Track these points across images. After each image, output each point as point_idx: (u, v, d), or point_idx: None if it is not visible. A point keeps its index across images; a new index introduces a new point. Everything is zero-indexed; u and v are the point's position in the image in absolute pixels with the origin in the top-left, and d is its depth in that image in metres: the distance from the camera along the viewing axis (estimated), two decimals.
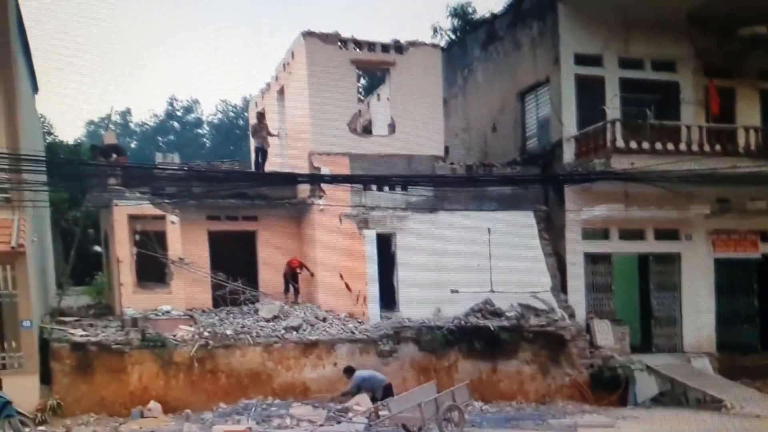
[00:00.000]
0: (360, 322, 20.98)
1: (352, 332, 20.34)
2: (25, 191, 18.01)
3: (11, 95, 17.71)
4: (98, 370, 18.11)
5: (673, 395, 21.15)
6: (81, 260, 23.60)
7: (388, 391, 17.62)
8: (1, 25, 17.16)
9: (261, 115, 25.43)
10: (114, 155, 22.27)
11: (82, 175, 21.88)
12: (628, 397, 21.09)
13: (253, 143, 25.11)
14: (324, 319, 21.00)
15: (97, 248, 26.90)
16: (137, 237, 21.16)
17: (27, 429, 15.02)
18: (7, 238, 17.13)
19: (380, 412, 16.64)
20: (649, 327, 23.63)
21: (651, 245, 23.49)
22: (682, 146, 21.95)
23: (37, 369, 17.70)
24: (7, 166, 17.08)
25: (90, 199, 22.71)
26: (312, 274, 22.50)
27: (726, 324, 23.89)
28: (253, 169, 24.34)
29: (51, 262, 25.61)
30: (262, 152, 24.05)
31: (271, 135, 24.29)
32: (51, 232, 26.37)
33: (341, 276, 21.90)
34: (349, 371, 18.18)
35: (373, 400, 17.45)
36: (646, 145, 21.68)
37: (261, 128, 24.50)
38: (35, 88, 25.52)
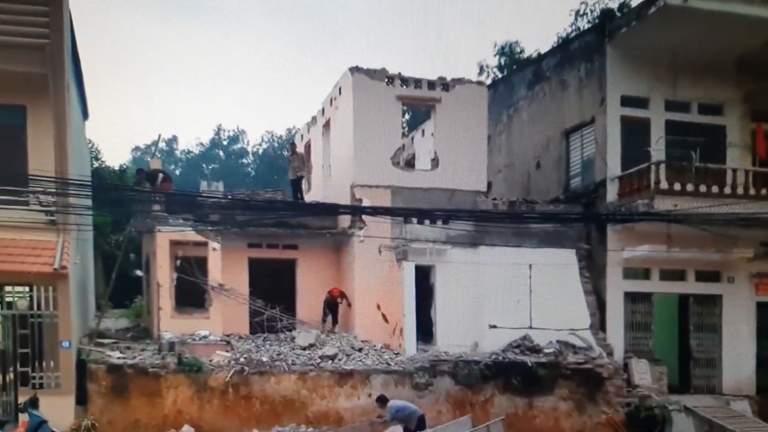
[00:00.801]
0: (396, 354, 20.71)
1: (388, 363, 20.02)
2: (71, 214, 18.06)
3: (62, 122, 17.76)
4: (134, 393, 18.01)
5: None
6: (121, 283, 23.61)
7: (421, 423, 17.26)
8: (56, 54, 17.24)
9: (293, 146, 25.91)
10: (160, 175, 22.36)
11: (127, 200, 22.01)
12: None
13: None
14: (360, 349, 20.77)
15: (138, 272, 26.93)
16: (178, 262, 21.19)
17: None
18: (50, 260, 17.12)
19: None
20: (687, 368, 23.14)
21: (692, 286, 23.05)
22: (727, 189, 21.56)
23: (73, 389, 17.66)
24: (54, 190, 17.25)
25: (133, 224, 22.82)
26: (350, 305, 22.32)
27: (766, 367, 23.35)
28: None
29: (92, 284, 25.67)
30: (296, 183, 24.32)
31: (304, 166, 24.61)
32: (93, 255, 26.45)
33: (379, 307, 21.83)
34: (382, 400, 17.71)
35: (406, 431, 17.10)
36: (690, 187, 21.30)
37: (293, 160, 24.79)
38: (85, 115, 25.75)
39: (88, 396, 17.77)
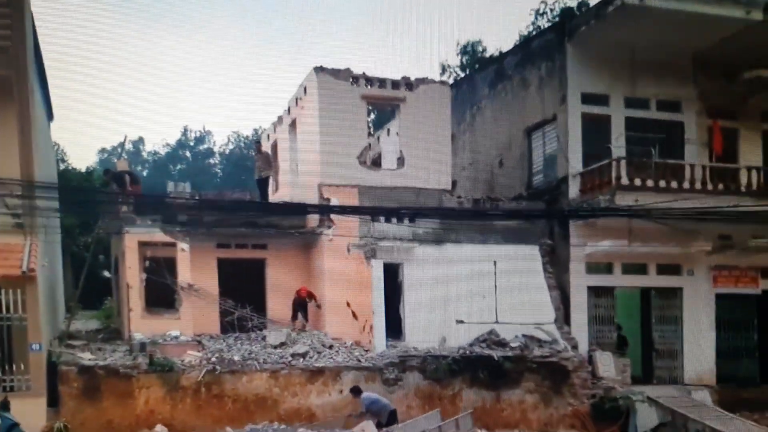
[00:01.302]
0: (366, 350, 20.75)
1: (358, 360, 20.07)
2: (38, 217, 17.90)
3: (26, 124, 17.63)
4: (105, 394, 17.91)
5: (674, 426, 20.89)
6: (91, 285, 23.42)
7: (393, 418, 17.34)
8: (18, 56, 17.12)
9: (258, 146, 26.04)
10: (127, 176, 22.16)
11: (94, 202, 22.03)
12: (629, 427, 20.80)
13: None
14: (330, 347, 20.79)
15: (106, 273, 26.69)
16: (147, 263, 21.05)
17: None
18: (18, 263, 16.94)
19: None
20: (650, 359, 23.42)
21: (653, 279, 23.32)
22: (686, 184, 21.84)
23: (44, 392, 17.49)
24: (20, 193, 17.19)
25: (101, 226, 22.68)
26: (319, 306, 22.40)
27: (726, 357, 23.73)
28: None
29: (61, 286, 25.43)
30: (262, 183, 24.35)
31: (269, 166, 24.67)
32: (62, 257, 26.20)
33: (348, 304, 21.75)
34: (356, 391, 17.82)
35: (378, 425, 17.15)
36: (650, 182, 21.53)
37: (258, 159, 24.91)
38: (50, 116, 25.47)
39: (60, 398, 17.62)
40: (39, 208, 17.77)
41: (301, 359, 19.70)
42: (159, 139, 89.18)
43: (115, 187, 22.04)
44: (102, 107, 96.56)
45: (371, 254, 21.26)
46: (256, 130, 59.99)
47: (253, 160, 29.81)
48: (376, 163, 24.91)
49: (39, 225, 18.04)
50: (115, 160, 31.88)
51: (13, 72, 17.11)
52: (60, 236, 23.53)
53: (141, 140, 71.76)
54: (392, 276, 21.65)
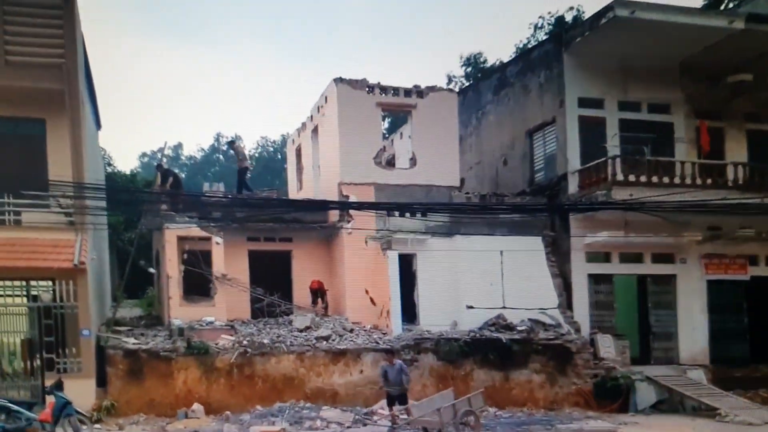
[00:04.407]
0: (384, 334, 20.93)
1: (377, 342, 20.17)
2: (87, 215, 18.30)
3: (77, 133, 18.00)
4: (148, 375, 18.24)
5: (671, 403, 21.08)
6: (134, 276, 23.77)
7: (404, 398, 16.75)
8: (71, 71, 17.49)
9: (231, 143, 26.78)
10: (170, 179, 22.41)
11: (137, 201, 22.27)
12: (629, 405, 20.78)
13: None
14: (351, 330, 20.98)
15: (151, 270, 26.86)
16: (185, 255, 21.27)
17: (84, 427, 15.13)
18: (70, 257, 17.37)
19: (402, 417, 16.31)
20: (647, 341, 23.38)
21: (649, 268, 23.26)
22: (677, 179, 21.83)
23: (93, 373, 17.89)
24: (72, 193, 17.65)
25: (144, 223, 23.04)
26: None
27: (718, 339, 23.63)
28: (236, 189, 24.36)
29: (108, 278, 25.79)
30: (239, 173, 24.44)
31: (239, 158, 24.91)
32: (108, 251, 26.54)
33: (367, 292, 21.97)
34: (390, 352, 17.50)
35: (389, 397, 16.80)
36: (643, 178, 21.57)
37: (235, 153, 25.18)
38: (98, 125, 25.81)
39: (107, 378, 18.00)
40: (88, 208, 18.23)
41: (325, 342, 19.85)
42: (195, 145, 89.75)
43: (161, 182, 22.35)
44: (144, 116, 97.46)
45: (387, 246, 21.50)
46: (283, 136, 60.37)
47: (281, 162, 30.00)
48: (391, 163, 25.03)
49: (88, 222, 18.44)
50: (155, 164, 32.27)
51: (66, 86, 17.50)
52: (107, 232, 23.98)
53: (180, 145, 72.33)
54: (407, 266, 21.79)
